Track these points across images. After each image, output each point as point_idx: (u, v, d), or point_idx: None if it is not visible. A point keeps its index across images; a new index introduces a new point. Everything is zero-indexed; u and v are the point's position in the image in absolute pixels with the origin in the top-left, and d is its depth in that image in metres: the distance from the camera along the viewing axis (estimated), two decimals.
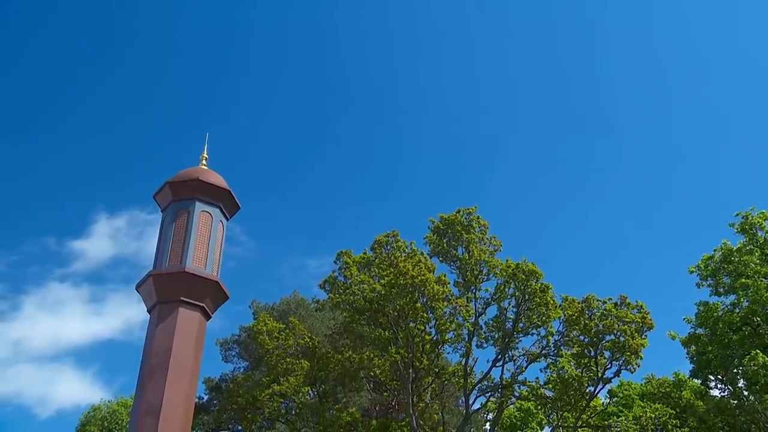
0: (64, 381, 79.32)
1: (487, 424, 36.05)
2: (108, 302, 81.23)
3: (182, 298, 19.34)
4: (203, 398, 39.23)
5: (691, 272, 32.32)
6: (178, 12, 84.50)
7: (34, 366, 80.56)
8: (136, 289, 20.26)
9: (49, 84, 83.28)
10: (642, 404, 34.24)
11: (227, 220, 21.86)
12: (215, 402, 38.07)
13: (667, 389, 34.21)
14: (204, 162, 22.13)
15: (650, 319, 26.68)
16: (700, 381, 32.78)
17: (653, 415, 29.41)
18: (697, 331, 31.90)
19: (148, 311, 19.90)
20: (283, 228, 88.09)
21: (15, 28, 78.71)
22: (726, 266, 31.05)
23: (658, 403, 32.35)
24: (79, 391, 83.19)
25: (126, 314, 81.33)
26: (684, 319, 32.64)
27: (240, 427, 36.26)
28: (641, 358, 26.45)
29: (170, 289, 19.41)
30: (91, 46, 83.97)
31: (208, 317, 20.10)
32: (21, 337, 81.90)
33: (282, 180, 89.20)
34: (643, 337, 26.47)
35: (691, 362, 31.84)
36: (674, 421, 29.28)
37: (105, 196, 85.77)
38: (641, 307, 27.00)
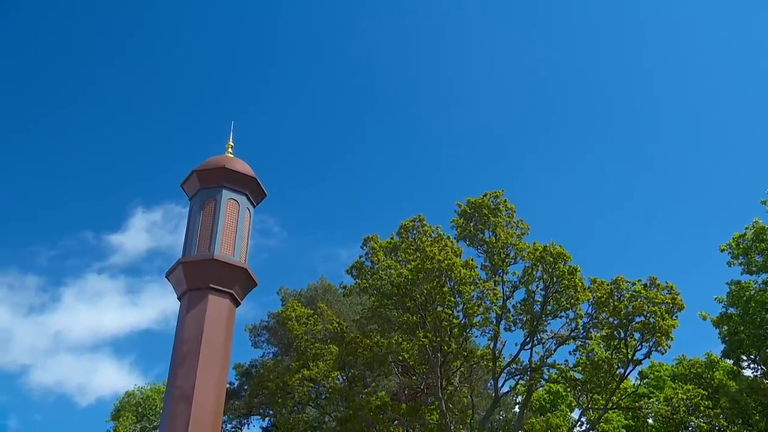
0: (102, 370, 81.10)
1: (516, 406, 36.05)
2: (144, 293, 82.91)
3: (211, 285, 19.54)
4: (234, 384, 39.70)
5: (722, 251, 31.87)
6: (205, 2, 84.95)
7: (74, 356, 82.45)
8: (166, 277, 20.52)
9: (84, 81, 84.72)
10: (673, 385, 33.95)
11: (254, 207, 21.99)
12: (246, 387, 38.53)
13: (699, 370, 33.91)
14: (230, 150, 22.25)
15: (680, 300, 26.42)
16: (732, 361, 32.42)
17: (685, 396, 29.17)
18: (728, 311, 31.48)
19: (179, 299, 20.14)
20: (315, 218, 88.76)
21: (47, 26, 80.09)
22: (758, 245, 30.54)
23: (690, 384, 32.11)
24: (117, 379, 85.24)
25: (161, 305, 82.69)
26: (715, 298, 32.25)
27: (271, 412, 36.71)
28: (672, 339, 26.22)
29: (199, 276, 19.62)
30: (122, 41, 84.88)
31: (237, 304, 20.29)
32: (61, 328, 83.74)
33: (312, 169, 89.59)
34: (673, 318, 26.22)
35: (722, 342, 31.47)
36: (706, 402, 29.01)
37: (141, 190, 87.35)
38: (671, 287, 26.72)
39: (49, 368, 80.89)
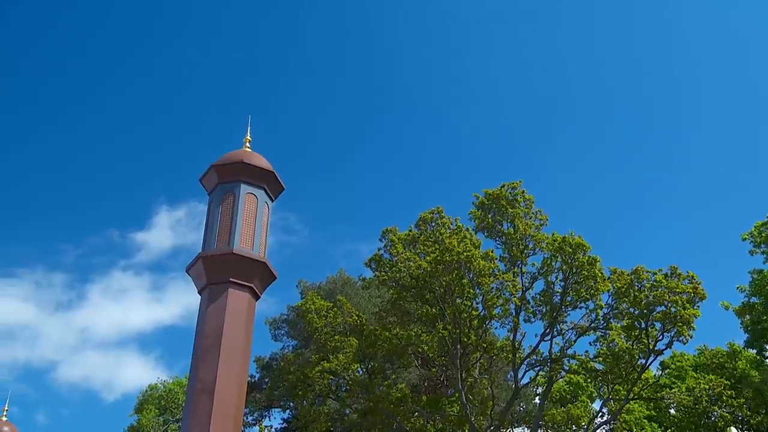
0: (128, 366, 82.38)
1: (537, 398, 35.98)
2: (168, 289, 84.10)
3: (231, 279, 19.66)
4: (255, 377, 39.96)
5: (744, 239, 31.56)
6: None
7: (100, 352, 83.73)
8: (187, 272, 20.68)
9: (109, 81, 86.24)
10: (695, 375, 33.75)
11: (272, 201, 22.08)
12: (266, 380, 38.79)
13: (721, 360, 33.64)
14: (247, 145, 22.33)
15: (702, 290, 26.17)
16: (755, 351, 32.13)
17: (707, 387, 28.95)
18: (751, 301, 31.21)
19: (199, 293, 20.30)
20: (335, 214, 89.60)
21: (73, 25, 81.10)
22: None
23: (712, 374, 31.87)
24: (142, 375, 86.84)
25: (186, 300, 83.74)
26: (737, 288, 31.97)
27: (291, 404, 36.95)
28: (693, 329, 25.99)
29: (219, 270, 19.75)
30: (145, 41, 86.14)
31: (257, 297, 20.40)
32: (88, 324, 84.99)
33: (331, 165, 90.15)
34: (695, 307, 25.98)
35: (745, 332, 31.23)
36: (729, 392, 28.77)
37: (165, 189, 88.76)
38: (692, 277, 26.47)
39: (76, 364, 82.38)
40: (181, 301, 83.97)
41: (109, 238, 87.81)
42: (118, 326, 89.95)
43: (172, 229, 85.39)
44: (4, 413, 35.85)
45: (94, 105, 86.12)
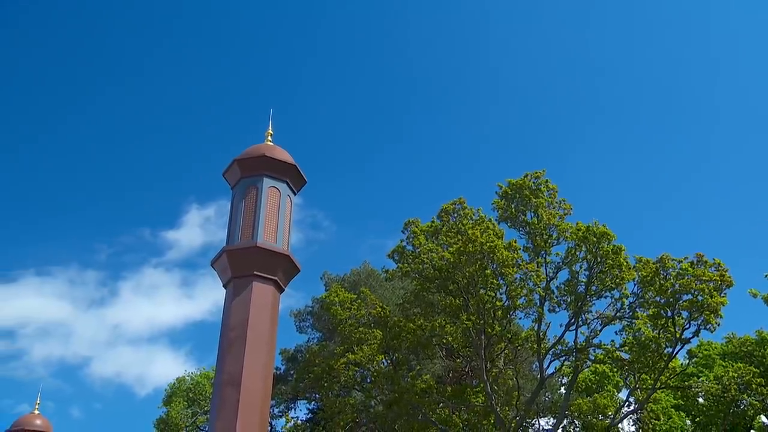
0: (159, 361, 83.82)
1: (562, 388, 35.86)
2: (198, 286, 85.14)
3: (255, 272, 19.77)
4: (280, 369, 40.27)
5: None
6: None
7: (132, 348, 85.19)
8: (212, 265, 20.84)
9: (138, 82, 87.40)
10: (723, 364, 33.44)
11: (295, 194, 22.15)
12: (292, 372, 39.05)
13: (750, 348, 33.27)
14: (269, 138, 22.41)
15: (729, 277, 25.87)
16: None
17: (736, 375, 28.69)
18: None
19: (224, 286, 20.46)
20: (361, 209, 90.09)
21: (102, 27, 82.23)
22: None
23: (741, 363, 31.52)
24: (173, 369, 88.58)
25: (215, 296, 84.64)
26: (765, 275, 31.52)
27: (317, 395, 37.17)
28: (721, 317, 25.74)
29: (243, 263, 19.88)
30: (170, 41, 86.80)
31: (281, 290, 20.51)
32: (120, 321, 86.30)
33: (357, 161, 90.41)
34: (722, 295, 25.72)
35: None
36: (758, 380, 28.48)
37: (195, 188, 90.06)
38: (719, 264, 26.18)
39: (109, 360, 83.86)
40: (211, 296, 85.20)
41: (140, 236, 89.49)
42: (150, 322, 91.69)
43: (201, 227, 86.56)
44: (36, 407, 36.55)
45: (128, 106, 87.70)
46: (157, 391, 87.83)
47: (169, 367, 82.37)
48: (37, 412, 36.31)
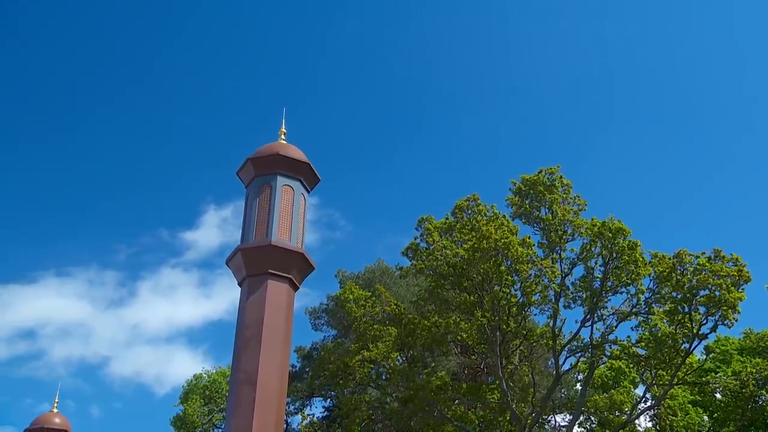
0: (178, 360, 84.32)
1: (578, 384, 35.71)
2: (216, 285, 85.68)
3: (270, 271, 19.84)
4: (296, 366, 40.37)
5: None
6: None
7: (151, 347, 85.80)
8: (227, 264, 20.93)
9: (157, 83, 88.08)
10: (741, 359, 33.15)
11: (308, 192, 22.20)
12: (307, 370, 39.15)
13: None
14: (282, 137, 22.47)
15: (747, 272, 25.64)
16: None
17: (754, 370, 28.46)
18: None
19: (239, 284, 20.54)
20: (377, 208, 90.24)
21: (118, 28, 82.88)
22: None
23: (759, 358, 31.24)
24: (191, 368, 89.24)
25: (232, 296, 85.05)
26: None
27: (332, 393, 37.25)
28: (739, 313, 25.52)
29: (258, 262, 19.94)
30: (184, 40, 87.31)
31: (295, 288, 20.57)
32: (139, 320, 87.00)
33: (373, 160, 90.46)
34: (739, 290, 25.49)
35: None
36: None
37: (213, 189, 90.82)
38: (737, 259, 25.95)
39: (128, 359, 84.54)
40: (228, 296, 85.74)
41: (159, 237, 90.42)
42: (168, 322, 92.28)
43: (219, 227, 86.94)
44: (54, 405, 36.90)
45: (146, 107, 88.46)
46: (175, 390, 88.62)
47: (187, 367, 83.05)
48: (55, 410, 36.67)
